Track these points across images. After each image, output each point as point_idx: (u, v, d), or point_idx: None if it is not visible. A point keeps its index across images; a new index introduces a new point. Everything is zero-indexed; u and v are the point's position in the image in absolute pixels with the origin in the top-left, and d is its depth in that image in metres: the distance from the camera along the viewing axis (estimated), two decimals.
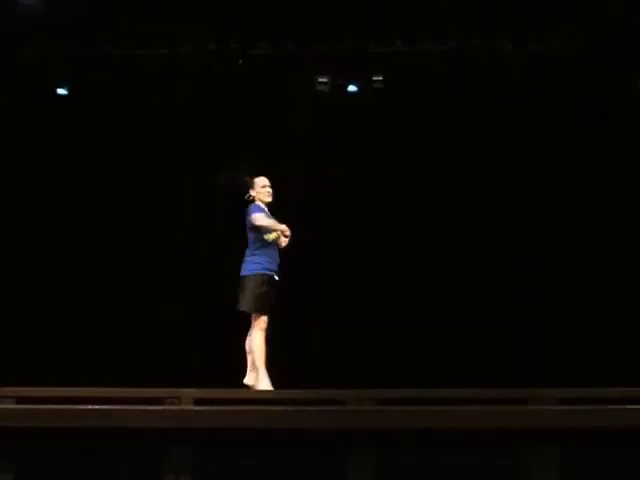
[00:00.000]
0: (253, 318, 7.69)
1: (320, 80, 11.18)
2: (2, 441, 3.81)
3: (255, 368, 7.42)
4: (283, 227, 7.84)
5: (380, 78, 11.12)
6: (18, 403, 5.58)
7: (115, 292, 11.14)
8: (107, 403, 4.81)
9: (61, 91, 11.49)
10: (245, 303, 7.62)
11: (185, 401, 5.36)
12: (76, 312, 11.14)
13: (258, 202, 8.03)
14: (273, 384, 7.19)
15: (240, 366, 7.63)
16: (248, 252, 7.88)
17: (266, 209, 8.03)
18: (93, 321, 11.10)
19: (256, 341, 7.50)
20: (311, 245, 10.71)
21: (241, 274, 7.80)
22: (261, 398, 5.10)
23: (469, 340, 10.85)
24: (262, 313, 7.65)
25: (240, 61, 11.05)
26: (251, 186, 8.05)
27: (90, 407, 3.99)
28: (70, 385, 6.84)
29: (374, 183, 11.43)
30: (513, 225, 11.21)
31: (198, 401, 5.46)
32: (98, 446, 3.92)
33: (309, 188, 11.42)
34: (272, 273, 7.80)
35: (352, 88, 11.35)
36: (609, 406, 4.41)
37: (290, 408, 4.07)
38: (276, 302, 7.85)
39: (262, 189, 8.05)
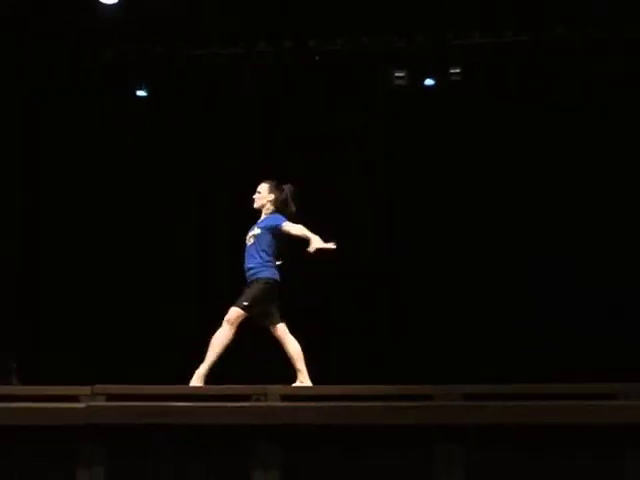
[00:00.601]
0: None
1: (397, 74, 11.12)
2: (94, 437, 3.86)
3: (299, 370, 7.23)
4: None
5: (458, 71, 11.01)
6: (108, 400, 5.67)
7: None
8: (193, 400, 4.84)
9: (140, 92, 11.66)
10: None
11: (272, 397, 5.37)
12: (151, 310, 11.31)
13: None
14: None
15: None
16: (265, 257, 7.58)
17: None
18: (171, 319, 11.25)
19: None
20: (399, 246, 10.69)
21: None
22: (348, 394, 5.10)
23: None
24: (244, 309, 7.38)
25: (317, 57, 11.05)
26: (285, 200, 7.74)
27: (178, 404, 4.01)
28: (155, 383, 6.94)
29: (452, 180, 11.35)
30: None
31: (285, 397, 5.47)
32: (185, 443, 3.94)
33: (388, 186, 11.39)
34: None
35: (429, 82, 11.27)
36: None
37: (377, 404, 4.03)
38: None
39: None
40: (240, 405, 4.06)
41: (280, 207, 7.64)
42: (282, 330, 7.32)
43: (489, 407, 4.10)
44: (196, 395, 5.36)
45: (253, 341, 10.58)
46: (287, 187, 7.71)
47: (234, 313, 7.22)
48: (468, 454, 3.90)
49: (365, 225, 11.31)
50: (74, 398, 5.75)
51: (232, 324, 7.21)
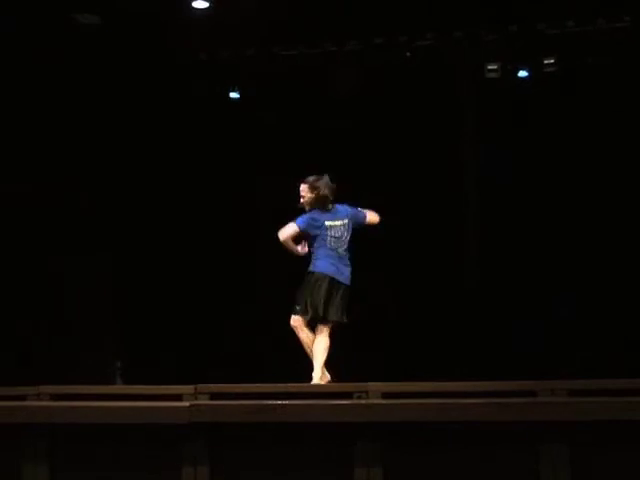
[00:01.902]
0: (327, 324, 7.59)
1: (490, 67, 10.99)
2: (198, 436, 3.91)
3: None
4: None
5: (552, 61, 10.81)
6: (211, 399, 5.74)
7: None
8: (295, 398, 4.87)
9: (233, 95, 11.79)
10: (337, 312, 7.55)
11: (373, 395, 5.37)
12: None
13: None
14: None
15: None
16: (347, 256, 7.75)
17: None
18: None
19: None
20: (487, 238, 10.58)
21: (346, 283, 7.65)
22: (450, 390, 5.06)
23: None
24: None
25: (408, 53, 10.99)
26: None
27: (280, 402, 4.03)
28: (254, 381, 7.01)
29: (552, 174, 11.16)
30: None
31: (386, 395, 5.46)
32: (288, 441, 3.96)
33: (481, 180, 11.28)
34: None
35: (523, 74, 11.10)
36: None
37: (480, 400, 3.99)
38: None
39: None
40: (342, 403, 4.06)
41: (317, 204, 7.70)
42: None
43: (593, 403, 4.02)
44: (298, 393, 5.39)
45: (353, 340, 10.76)
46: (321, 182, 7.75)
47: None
48: (572, 452, 3.83)
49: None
50: (178, 397, 5.84)
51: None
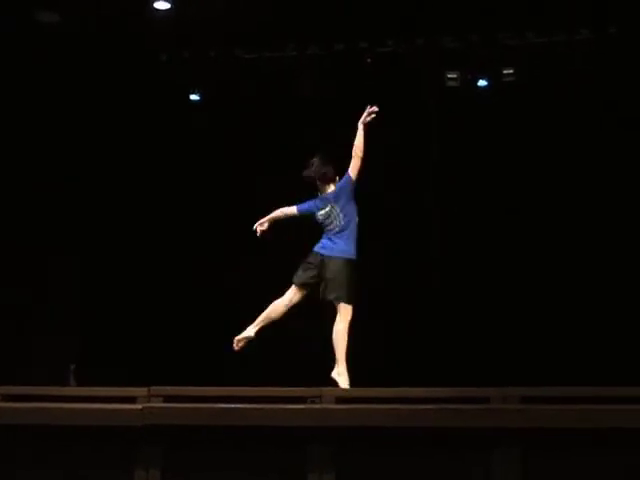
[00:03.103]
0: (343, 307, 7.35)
1: (449, 76, 11.05)
2: (151, 439, 3.89)
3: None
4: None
5: (511, 71, 10.90)
6: (165, 402, 5.71)
7: None
8: (249, 402, 4.85)
9: (194, 97, 11.75)
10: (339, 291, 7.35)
11: (326, 400, 5.37)
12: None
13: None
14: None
15: None
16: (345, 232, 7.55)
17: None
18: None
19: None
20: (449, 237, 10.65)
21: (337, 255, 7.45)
22: (404, 396, 5.08)
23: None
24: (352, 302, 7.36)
25: (368, 59, 11.03)
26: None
27: (233, 406, 4.02)
28: (210, 384, 6.98)
29: (508, 181, 11.26)
30: None
31: (340, 400, 5.46)
32: (241, 445, 3.95)
33: (437, 188, 11.34)
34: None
35: (482, 83, 11.18)
36: None
37: (434, 406, 4.01)
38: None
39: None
40: (295, 407, 4.06)
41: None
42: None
43: (547, 410, 4.06)
44: (251, 397, 5.38)
45: (309, 344, 10.76)
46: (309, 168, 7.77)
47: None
48: (524, 458, 3.86)
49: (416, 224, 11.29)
50: (131, 399, 5.80)
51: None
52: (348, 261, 7.37)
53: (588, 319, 10.65)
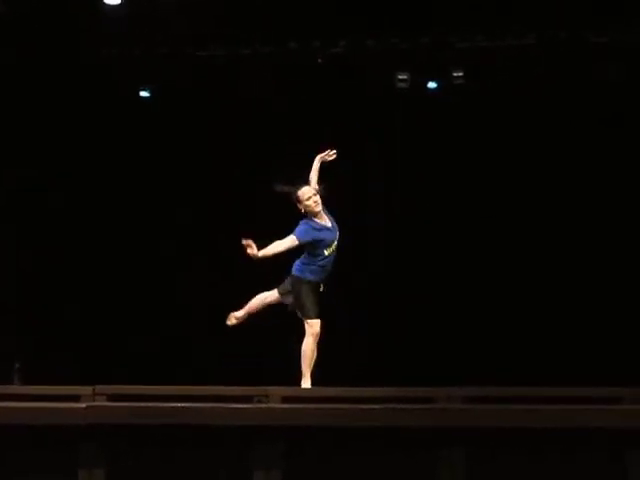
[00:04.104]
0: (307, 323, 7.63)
1: (400, 77, 11.10)
2: (95, 437, 3.86)
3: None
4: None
5: (461, 74, 10.99)
6: (109, 400, 5.68)
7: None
8: (194, 401, 4.84)
9: (144, 93, 11.67)
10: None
11: (273, 399, 5.37)
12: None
13: (309, 216, 7.72)
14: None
15: None
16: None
17: (318, 220, 7.73)
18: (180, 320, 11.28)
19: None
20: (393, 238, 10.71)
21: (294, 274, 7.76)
22: (350, 396, 5.10)
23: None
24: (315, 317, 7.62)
25: (319, 60, 11.04)
26: (298, 201, 7.72)
27: (178, 405, 4.01)
28: (158, 383, 6.94)
29: (457, 181, 11.36)
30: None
31: (286, 399, 5.47)
32: (185, 444, 3.94)
33: (388, 188, 11.39)
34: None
35: (432, 85, 11.26)
36: None
37: (377, 406, 4.04)
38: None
39: (308, 201, 7.68)
40: (242, 406, 4.06)
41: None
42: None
43: (489, 410, 4.10)
44: (197, 396, 5.37)
45: (255, 343, 10.76)
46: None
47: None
48: (469, 456, 3.90)
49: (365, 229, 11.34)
50: (75, 398, 5.75)
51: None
52: (301, 279, 7.67)
53: (521, 319, 10.81)
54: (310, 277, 7.62)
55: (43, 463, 3.88)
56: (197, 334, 11.11)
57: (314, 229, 7.62)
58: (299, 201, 7.66)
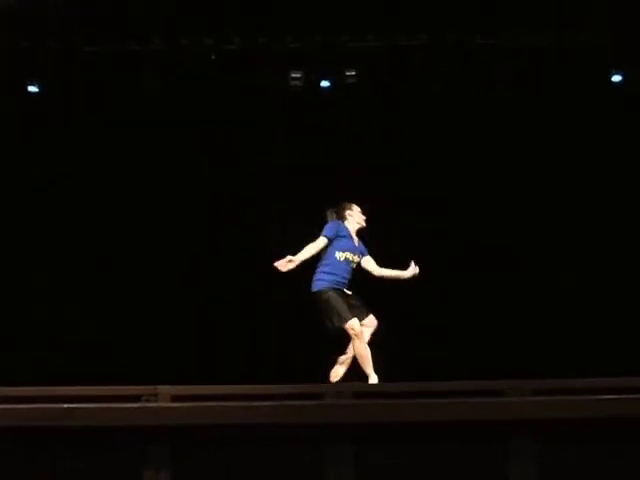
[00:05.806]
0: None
1: (293, 75, 11.15)
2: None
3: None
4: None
5: (353, 73, 11.10)
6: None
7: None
8: (81, 401, 4.75)
9: (32, 88, 11.43)
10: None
11: (162, 398, 5.31)
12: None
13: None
14: None
15: None
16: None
17: (349, 228, 8.04)
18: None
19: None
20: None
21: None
22: (239, 394, 5.09)
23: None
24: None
25: (213, 57, 11.01)
26: (349, 208, 8.11)
27: (62, 405, 3.96)
28: (42, 384, 6.79)
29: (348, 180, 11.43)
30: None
31: (175, 398, 5.41)
32: (73, 445, 3.90)
33: (289, 183, 11.40)
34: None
35: (325, 83, 11.33)
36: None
37: (267, 403, 4.06)
38: None
39: (360, 214, 8.14)
40: (130, 406, 4.04)
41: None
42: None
43: (378, 405, 4.17)
44: (84, 396, 5.27)
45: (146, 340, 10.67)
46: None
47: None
48: (358, 452, 3.96)
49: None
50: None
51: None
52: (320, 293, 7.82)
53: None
54: (326, 285, 7.75)
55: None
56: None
57: (339, 227, 7.98)
58: (351, 208, 8.08)
